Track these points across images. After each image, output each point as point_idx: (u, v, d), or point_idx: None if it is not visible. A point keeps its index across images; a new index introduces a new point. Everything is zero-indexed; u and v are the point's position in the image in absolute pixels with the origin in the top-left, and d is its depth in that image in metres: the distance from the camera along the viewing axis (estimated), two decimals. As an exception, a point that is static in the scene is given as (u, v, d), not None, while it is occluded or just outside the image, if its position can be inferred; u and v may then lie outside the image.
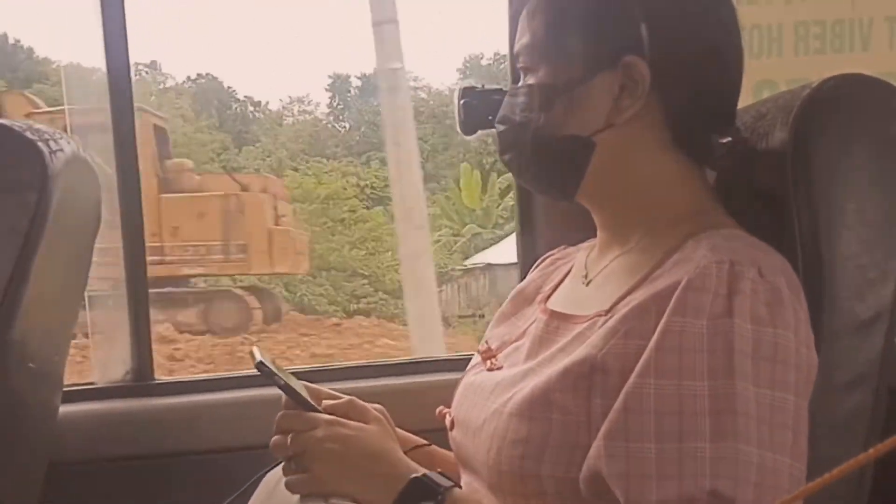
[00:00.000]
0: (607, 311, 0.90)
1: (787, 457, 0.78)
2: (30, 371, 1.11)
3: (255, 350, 0.95)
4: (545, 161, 0.98)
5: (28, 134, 1.01)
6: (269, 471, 1.05)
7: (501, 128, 1.01)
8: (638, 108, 0.92)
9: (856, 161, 0.94)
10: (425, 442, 1.12)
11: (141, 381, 1.52)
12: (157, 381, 1.53)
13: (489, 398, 0.96)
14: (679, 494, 0.76)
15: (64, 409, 1.34)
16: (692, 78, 0.94)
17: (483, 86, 1.07)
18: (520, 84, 1.00)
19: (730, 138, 0.94)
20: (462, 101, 1.06)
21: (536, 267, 1.19)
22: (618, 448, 0.80)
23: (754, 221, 0.94)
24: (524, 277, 1.19)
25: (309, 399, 0.98)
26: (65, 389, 1.33)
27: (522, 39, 0.98)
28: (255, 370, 0.93)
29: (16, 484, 1.17)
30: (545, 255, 1.20)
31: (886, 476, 0.95)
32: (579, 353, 0.87)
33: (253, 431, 1.05)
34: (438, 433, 1.10)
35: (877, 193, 0.95)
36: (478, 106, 1.05)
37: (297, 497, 0.93)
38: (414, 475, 0.91)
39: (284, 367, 0.99)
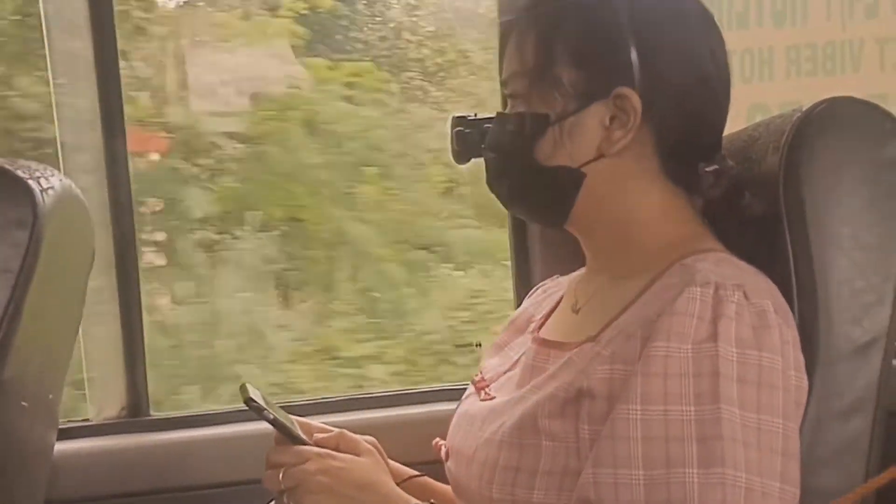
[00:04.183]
0: (595, 337, 0.89)
1: (776, 480, 0.78)
2: (24, 410, 1.10)
3: (248, 386, 0.94)
4: (534, 190, 0.97)
5: (18, 172, 1.00)
6: (266, 505, 1.04)
7: (490, 155, 1.00)
8: (629, 139, 0.92)
9: (849, 184, 0.94)
10: (417, 473, 1.12)
11: (136, 416, 1.50)
12: (152, 417, 1.52)
13: (482, 427, 0.95)
14: None
15: (59, 446, 1.33)
16: (682, 108, 0.93)
17: (476, 114, 1.06)
18: (508, 111, 0.99)
19: (716, 166, 0.94)
20: (455, 130, 1.05)
21: (529, 297, 1.19)
22: (606, 475, 0.79)
23: (746, 247, 0.93)
24: (519, 307, 1.19)
25: (300, 433, 0.97)
26: (60, 427, 1.32)
27: (511, 67, 0.97)
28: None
29: (11, 524, 1.16)
30: (537, 286, 1.20)
31: (888, 502, 0.95)
32: (566, 378, 0.87)
33: (251, 466, 1.04)
34: (435, 465, 1.08)
35: (871, 216, 0.94)
36: (471, 134, 1.04)
37: None
38: None
39: (275, 402, 0.99)
